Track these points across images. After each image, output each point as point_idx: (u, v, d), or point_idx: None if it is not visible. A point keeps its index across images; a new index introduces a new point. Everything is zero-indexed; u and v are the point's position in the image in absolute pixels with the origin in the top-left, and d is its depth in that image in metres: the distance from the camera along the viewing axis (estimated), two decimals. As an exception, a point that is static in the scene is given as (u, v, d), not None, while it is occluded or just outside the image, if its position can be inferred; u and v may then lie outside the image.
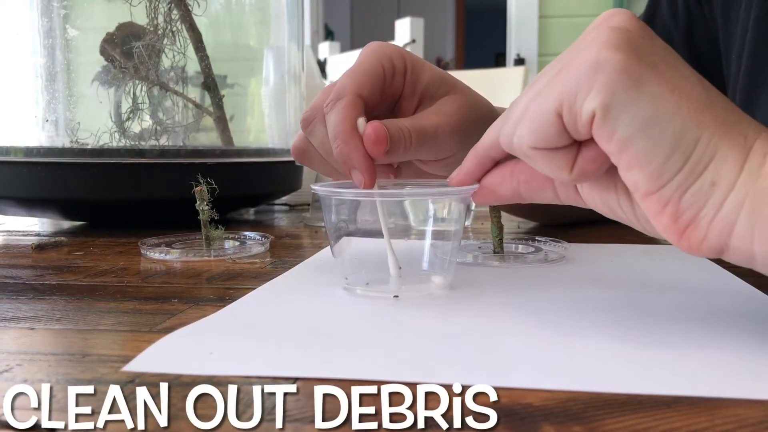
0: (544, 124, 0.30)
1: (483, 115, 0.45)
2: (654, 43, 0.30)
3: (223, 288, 0.42)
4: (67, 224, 0.75)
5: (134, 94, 0.70)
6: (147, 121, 0.72)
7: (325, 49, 3.12)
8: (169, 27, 0.70)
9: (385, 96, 0.43)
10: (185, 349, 0.30)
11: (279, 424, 0.22)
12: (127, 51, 0.69)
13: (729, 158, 0.28)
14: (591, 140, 0.30)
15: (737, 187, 0.28)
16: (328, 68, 3.00)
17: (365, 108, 0.40)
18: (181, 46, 0.71)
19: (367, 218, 0.39)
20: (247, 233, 0.59)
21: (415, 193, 0.41)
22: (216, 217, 0.54)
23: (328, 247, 0.44)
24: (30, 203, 0.67)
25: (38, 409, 0.23)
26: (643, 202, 0.30)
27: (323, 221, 0.44)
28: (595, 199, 0.34)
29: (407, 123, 0.41)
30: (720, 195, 0.28)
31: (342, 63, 2.95)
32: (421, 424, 0.22)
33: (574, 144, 0.31)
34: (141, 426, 0.22)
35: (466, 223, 0.72)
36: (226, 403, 0.23)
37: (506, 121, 0.33)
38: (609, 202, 0.33)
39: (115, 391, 0.23)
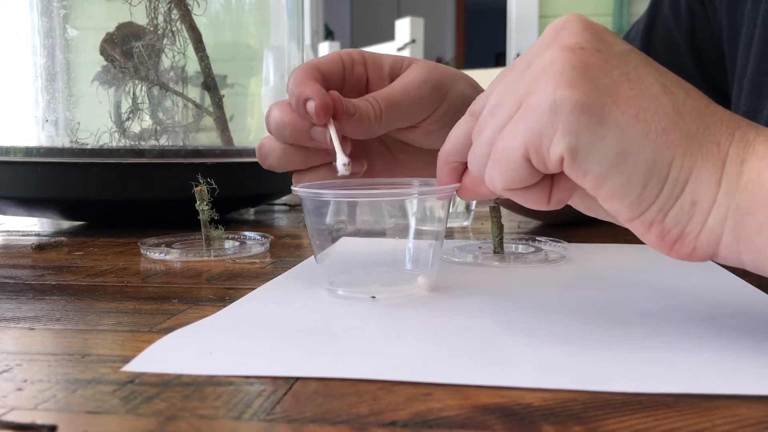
0: (513, 169, 0.30)
1: (446, 71, 0.45)
2: (609, 55, 0.29)
3: (223, 288, 0.42)
4: (67, 224, 0.75)
5: (134, 94, 0.70)
6: (147, 121, 0.72)
7: (325, 49, 3.12)
8: (169, 27, 0.70)
9: (351, 83, 0.44)
10: (185, 349, 0.30)
11: (279, 424, 0.22)
12: (127, 51, 0.69)
13: (705, 174, 0.28)
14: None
15: (718, 202, 0.28)
16: (328, 68, 3.00)
17: (326, 86, 0.41)
18: (181, 46, 0.71)
19: (344, 219, 0.39)
20: (247, 233, 0.59)
21: (396, 193, 0.41)
22: (216, 217, 0.54)
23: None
24: (30, 203, 0.67)
25: (38, 409, 0.23)
26: (627, 225, 0.30)
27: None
28: (579, 206, 0.34)
29: (374, 94, 0.41)
30: (702, 213, 0.28)
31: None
32: (421, 424, 0.22)
33: (548, 176, 0.31)
34: (141, 426, 0.22)
35: (466, 223, 0.72)
36: (226, 403, 0.23)
37: (473, 148, 0.33)
38: (593, 208, 0.34)
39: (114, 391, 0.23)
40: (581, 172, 0.28)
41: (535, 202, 0.31)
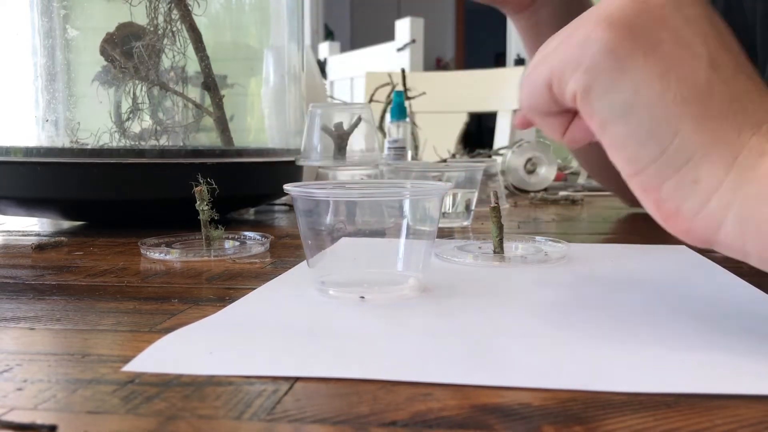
0: (535, 93, 0.32)
1: None
2: (672, 14, 0.28)
3: (223, 288, 0.42)
4: (67, 224, 0.75)
5: (134, 94, 0.70)
6: (147, 121, 0.72)
7: (325, 49, 3.12)
8: (169, 27, 0.70)
9: None
10: (185, 349, 0.30)
11: (279, 424, 0.22)
12: (127, 51, 0.69)
13: (714, 156, 0.27)
14: None
15: (723, 188, 0.27)
16: (328, 68, 3.00)
17: None
18: (181, 46, 0.71)
19: (341, 218, 0.39)
20: (247, 233, 0.59)
21: (389, 194, 0.41)
22: (216, 217, 0.54)
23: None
24: (30, 203, 0.67)
25: (38, 409, 0.23)
26: (627, 181, 0.30)
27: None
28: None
29: None
30: (703, 193, 0.27)
31: (342, 63, 2.95)
32: (421, 424, 0.22)
33: (570, 112, 0.32)
34: (141, 426, 0.22)
35: (466, 223, 0.72)
36: (226, 403, 0.23)
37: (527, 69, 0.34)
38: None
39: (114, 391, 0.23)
40: (589, 112, 0.29)
41: (551, 130, 0.33)
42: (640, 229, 0.67)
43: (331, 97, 1.76)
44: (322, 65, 2.95)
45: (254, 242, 0.56)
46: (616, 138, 0.28)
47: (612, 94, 0.28)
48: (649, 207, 0.29)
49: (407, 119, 1.10)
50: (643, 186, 0.29)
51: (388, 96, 1.28)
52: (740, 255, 0.28)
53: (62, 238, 0.60)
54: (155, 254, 0.52)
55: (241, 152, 0.73)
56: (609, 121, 0.28)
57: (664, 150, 0.28)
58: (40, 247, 0.56)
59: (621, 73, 0.28)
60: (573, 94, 0.29)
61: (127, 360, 0.28)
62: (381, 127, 1.29)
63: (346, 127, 0.78)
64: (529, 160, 1.12)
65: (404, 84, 1.32)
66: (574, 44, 0.29)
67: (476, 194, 0.74)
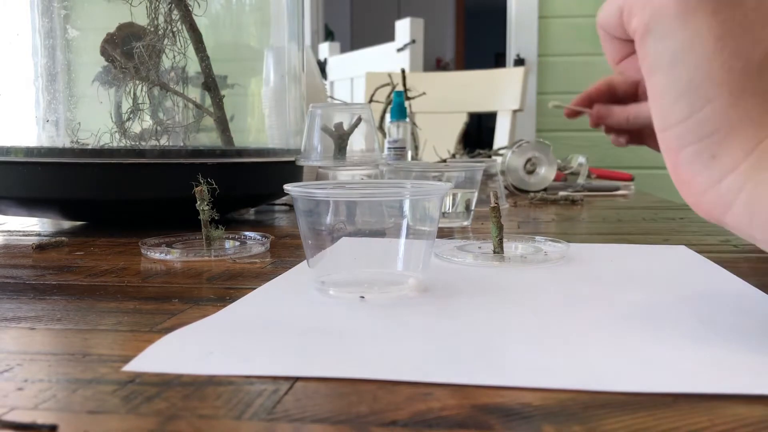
0: (608, 12, 0.32)
1: None
2: None
3: (223, 288, 0.42)
4: (67, 224, 0.75)
5: (134, 94, 0.70)
6: (147, 122, 0.72)
7: (325, 49, 3.12)
8: (169, 27, 0.70)
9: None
10: (185, 349, 0.30)
11: (279, 424, 0.22)
12: (127, 51, 0.69)
13: (739, 135, 0.26)
14: None
15: (740, 170, 0.27)
16: (328, 68, 3.00)
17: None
18: (181, 46, 0.71)
19: (341, 218, 0.39)
20: (247, 233, 0.59)
21: (389, 194, 0.41)
22: (216, 217, 0.54)
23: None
24: (30, 203, 0.67)
25: (38, 409, 0.23)
26: (657, 135, 0.30)
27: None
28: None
29: None
30: (718, 171, 0.27)
31: (342, 63, 2.95)
32: (421, 424, 0.22)
33: (632, 44, 0.32)
34: (141, 426, 0.22)
35: (466, 223, 0.72)
36: (227, 403, 0.23)
37: None
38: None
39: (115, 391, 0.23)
40: (643, 53, 0.29)
41: (609, 53, 0.35)
42: (640, 229, 0.67)
43: (331, 97, 1.76)
44: (322, 65, 2.95)
45: (254, 242, 0.56)
46: (657, 87, 0.28)
47: (667, 41, 0.28)
48: (669, 166, 0.29)
49: (407, 119, 1.10)
50: (666, 144, 0.29)
51: (388, 96, 1.28)
52: (747, 237, 0.28)
53: (63, 238, 0.60)
54: (155, 254, 0.52)
55: (241, 152, 0.73)
56: (657, 68, 0.28)
57: (692, 114, 0.27)
58: (40, 247, 0.56)
59: (683, 23, 0.27)
60: (635, 29, 0.29)
61: (127, 360, 0.28)
62: (381, 128, 1.29)
63: (346, 127, 0.78)
64: (528, 160, 1.12)
65: (404, 84, 1.32)
66: None
67: (476, 194, 0.74)
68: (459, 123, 1.79)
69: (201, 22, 0.72)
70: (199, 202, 0.53)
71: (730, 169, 0.27)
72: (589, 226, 0.68)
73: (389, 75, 1.42)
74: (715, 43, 0.27)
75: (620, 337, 0.31)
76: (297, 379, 0.26)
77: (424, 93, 1.40)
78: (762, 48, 0.27)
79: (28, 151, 0.66)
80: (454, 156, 1.34)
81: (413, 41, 2.70)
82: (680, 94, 0.27)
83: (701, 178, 0.28)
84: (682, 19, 0.27)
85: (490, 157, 1.29)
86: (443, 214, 0.71)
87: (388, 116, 1.16)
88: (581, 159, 1.27)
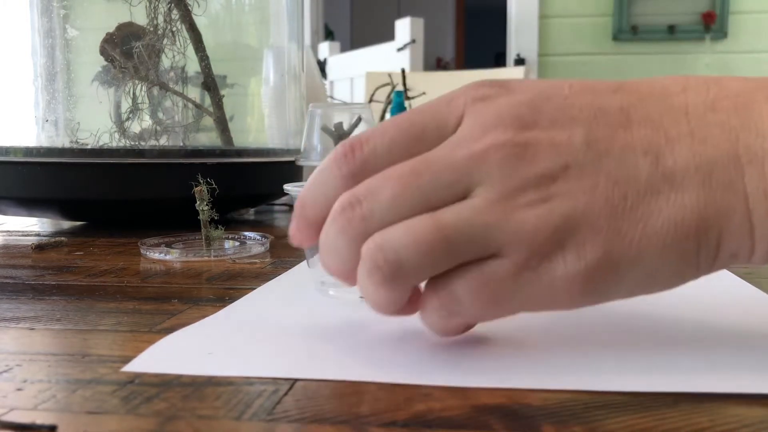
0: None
1: None
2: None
3: (223, 288, 0.42)
4: (67, 224, 0.75)
5: (134, 94, 0.70)
6: (147, 121, 0.72)
7: (325, 49, 3.12)
8: (169, 27, 0.70)
9: None
10: (185, 349, 0.30)
11: (279, 425, 0.22)
12: (126, 51, 0.69)
13: (734, 229, 0.25)
14: None
15: (757, 245, 0.26)
16: (328, 68, 3.00)
17: None
18: (181, 46, 0.71)
19: None
20: (247, 233, 0.59)
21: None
22: (216, 217, 0.54)
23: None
24: (30, 203, 0.67)
25: (38, 409, 0.23)
26: None
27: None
28: None
29: None
30: (744, 258, 0.27)
31: (342, 63, 2.95)
32: (421, 424, 0.22)
33: None
34: (141, 426, 0.22)
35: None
36: (226, 404, 0.23)
37: None
38: None
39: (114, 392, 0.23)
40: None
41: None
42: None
43: (331, 97, 1.76)
44: (322, 65, 2.95)
45: (254, 242, 0.56)
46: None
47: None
48: None
49: (407, 119, 1.10)
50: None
51: (388, 96, 1.28)
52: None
53: (62, 238, 0.60)
54: (155, 254, 0.52)
55: (241, 152, 0.73)
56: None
57: (697, 269, 0.27)
58: (40, 247, 0.56)
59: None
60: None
61: (127, 360, 0.28)
62: (381, 127, 1.28)
63: (346, 127, 0.78)
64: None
65: (404, 84, 1.32)
66: None
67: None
68: (459, 123, 1.79)
69: (200, 22, 0.72)
70: (198, 202, 0.53)
71: (749, 251, 0.26)
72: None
73: (389, 75, 1.42)
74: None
75: (620, 336, 0.31)
76: (297, 379, 0.26)
77: (424, 93, 1.40)
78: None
79: (28, 151, 0.66)
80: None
81: (413, 41, 2.70)
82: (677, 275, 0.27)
83: (737, 262, 0.27)
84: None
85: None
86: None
87: (388, 116, 1.15)
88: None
